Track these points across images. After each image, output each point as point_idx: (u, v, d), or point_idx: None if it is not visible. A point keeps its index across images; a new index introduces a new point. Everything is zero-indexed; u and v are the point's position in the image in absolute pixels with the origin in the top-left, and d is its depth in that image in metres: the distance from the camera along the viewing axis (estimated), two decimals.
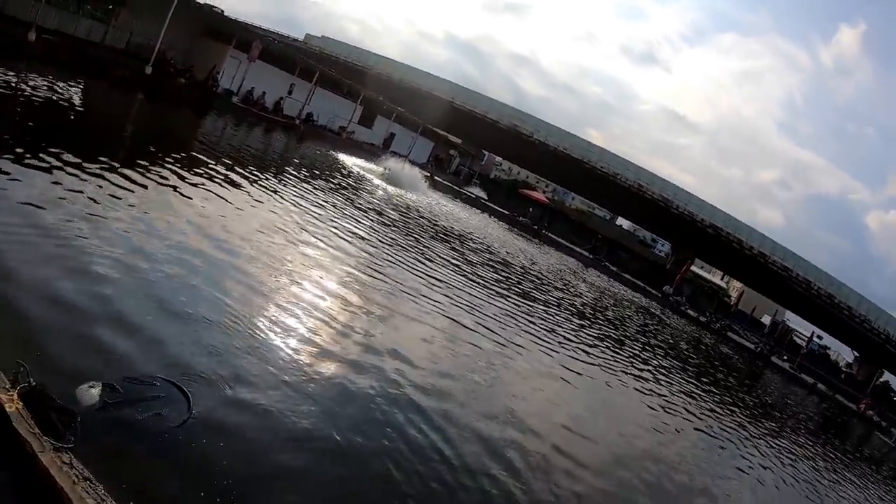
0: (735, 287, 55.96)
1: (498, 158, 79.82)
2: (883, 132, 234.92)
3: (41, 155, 8.07)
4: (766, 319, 44.79)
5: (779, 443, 13.44)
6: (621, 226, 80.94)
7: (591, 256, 40.06)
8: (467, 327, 9.78)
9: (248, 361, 5.46)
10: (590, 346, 13.21)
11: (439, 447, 5.56)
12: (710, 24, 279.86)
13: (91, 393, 3.87)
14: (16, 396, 3.09)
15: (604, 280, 32.40)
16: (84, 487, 2.86)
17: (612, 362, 12.77)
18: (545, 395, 8.80)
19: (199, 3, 23.88)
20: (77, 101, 13.82)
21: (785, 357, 34.26)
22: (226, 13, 27.60)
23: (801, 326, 48.71)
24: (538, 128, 48.81)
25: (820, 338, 46.41)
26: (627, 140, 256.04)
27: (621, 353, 14.44)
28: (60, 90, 13.88)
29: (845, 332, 43.69)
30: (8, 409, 2.96)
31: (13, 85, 12.38)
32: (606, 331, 16.50)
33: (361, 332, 7.39)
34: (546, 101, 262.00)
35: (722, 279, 65.52)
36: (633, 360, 14.21)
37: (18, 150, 7.89)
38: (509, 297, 14.25)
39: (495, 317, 11.44)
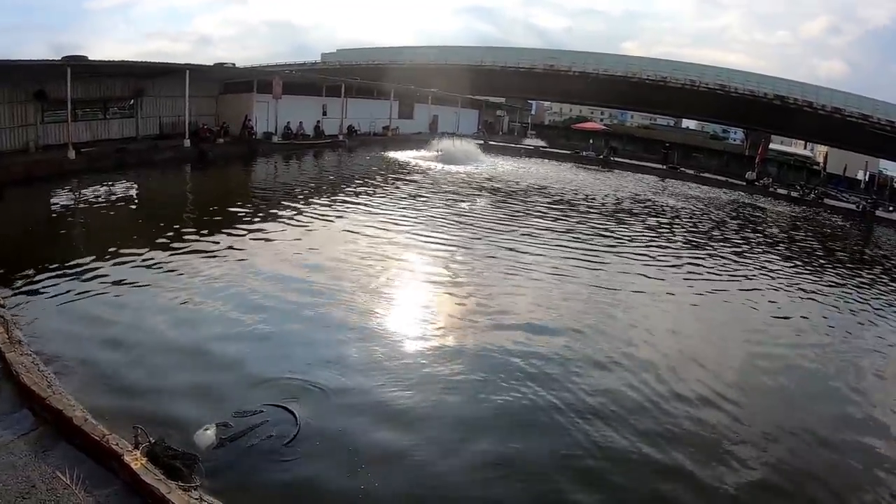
0: (820, 152, 51.86)
1: (547, 104, 78.21)
2: None
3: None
4: (861, 175, 41.20)
5: None
6: (688, 127, 77.34)
7: (665, 167, 38.45)
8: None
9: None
10: (691, 261, 12.87)
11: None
12: None
13: (207, 434, 4.33)
14: (139, 454, 3.53)
15: (685, 186, 31.06)
16: None
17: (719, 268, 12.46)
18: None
19: (209, 66, 24.85)
20: (136, 194, 14.73)
21: (891, 208, 31.53)
22: (237, 65, 28.62)
23: None
24: (574, 60, 47.31)
25: None
26: (665, 41, 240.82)
27: (723, 255, 13.94)
28: (116, 191, 14.70)
29: None
30: (134, 467, 3.39)
31: (75, 199, 13.50)
32: (702, 239, 15.94)
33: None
34: (570, 30, 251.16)
35: (805, 148, 60.99)
36: (738, 258, 13.77)
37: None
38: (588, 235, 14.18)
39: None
